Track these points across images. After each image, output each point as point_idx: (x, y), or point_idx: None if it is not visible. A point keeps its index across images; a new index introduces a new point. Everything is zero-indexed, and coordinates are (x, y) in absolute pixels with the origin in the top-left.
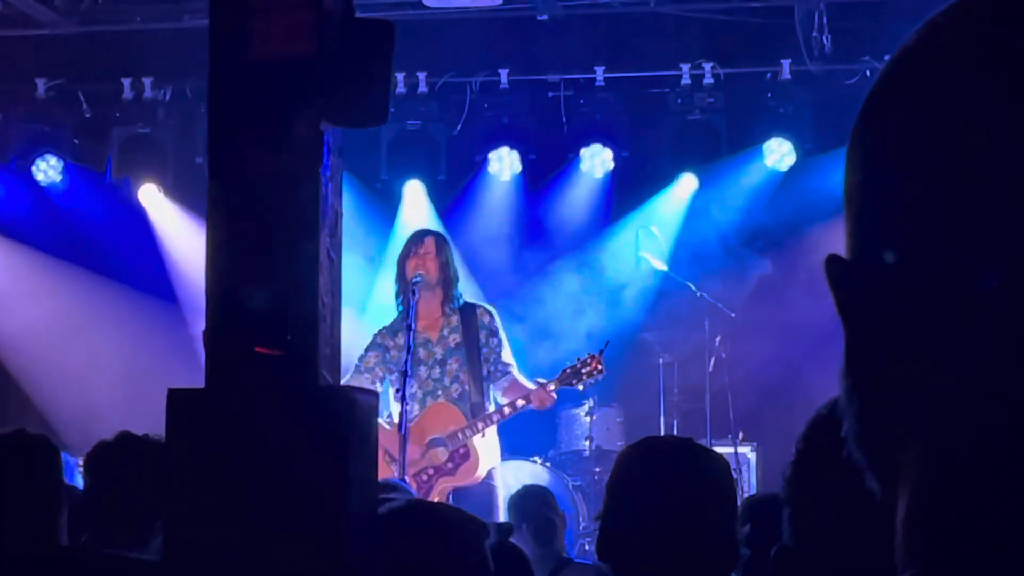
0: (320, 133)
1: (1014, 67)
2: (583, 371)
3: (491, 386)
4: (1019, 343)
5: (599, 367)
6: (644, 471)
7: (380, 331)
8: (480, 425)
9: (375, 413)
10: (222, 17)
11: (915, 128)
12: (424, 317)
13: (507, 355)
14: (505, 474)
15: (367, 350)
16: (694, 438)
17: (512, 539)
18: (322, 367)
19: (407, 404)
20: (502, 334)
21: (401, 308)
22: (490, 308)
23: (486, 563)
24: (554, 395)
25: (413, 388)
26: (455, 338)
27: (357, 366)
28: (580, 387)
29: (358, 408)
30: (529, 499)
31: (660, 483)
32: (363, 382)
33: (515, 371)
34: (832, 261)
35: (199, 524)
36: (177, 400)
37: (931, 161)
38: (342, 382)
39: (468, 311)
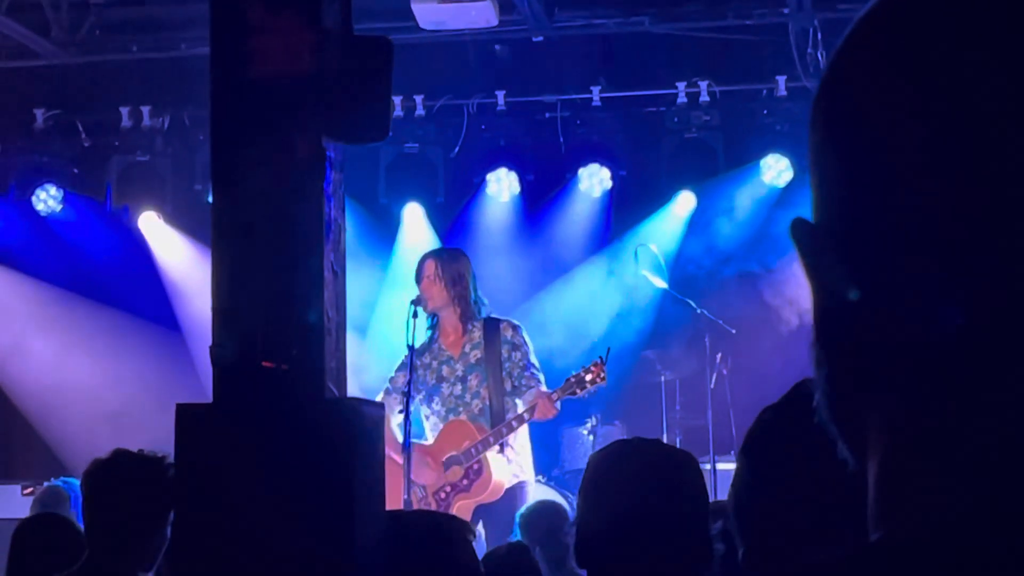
0: (322, 149)
1: (948, 48)
2: (586, 378)
3: (517, 400)
4: (983, 304)
5: (602, 374)
6: (614, 473)
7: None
8: (491, 439)
9: (381, 425)
10: (223, 37)
11: (864, 98)
12: (448, 335)
13: (533, 368)
14: None
15: (397, 370)
16: (696, 455)
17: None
18: (328, 380)
19: (409, 425)
20: (528, 347)
21: (428, 329)
22: (515, 322)
23: (473, 558)
24: (557, 406)
25: (437, 406)
26: (476, 354)
27: (387, 387)
28: (583, 394)
29: (364, 420)
30: (540, 520)
31: (629, 484)
32: (391, 402)
33: (542, 384)
34: (798, 224)
35: (207, 537)
36: (185, 415)
37: (883, 128)
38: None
39: (491, 326)
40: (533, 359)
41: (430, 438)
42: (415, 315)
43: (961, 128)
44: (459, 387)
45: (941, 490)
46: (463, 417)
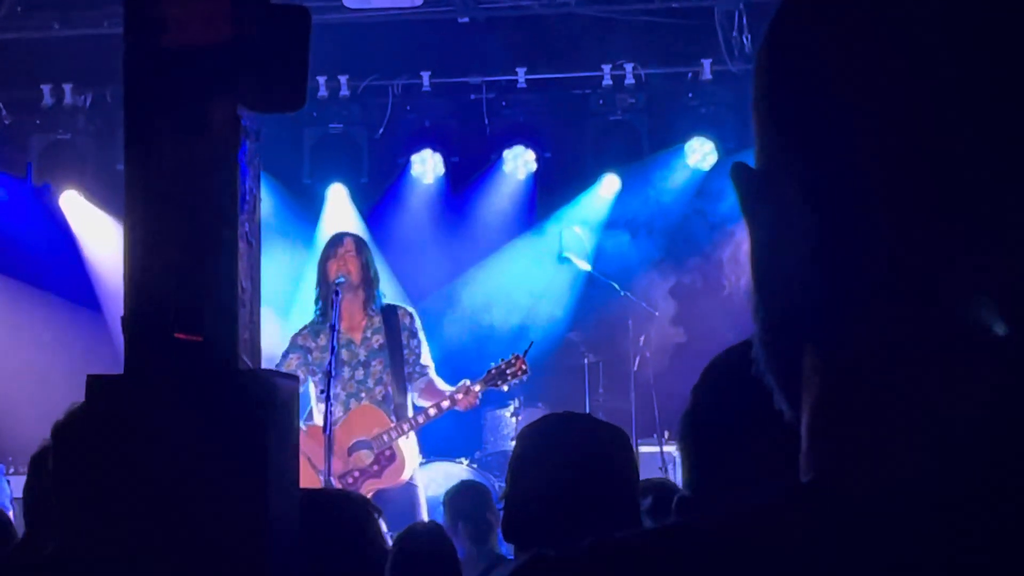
0: (237, 118)
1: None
2: (508, 372)
3: (410, 387)
4: (900, 247)
5: (523, 367)
6: (543, 447)
7: (300, 333)
8: (405, 427)
9: (296, 397)
10: (137, 4)
11: (801, 48)
12: (346, 319)
13: (426, 357)
14: (431, 475)
15: (288, 352)
16: None
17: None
18: (242, 352)
19: (331, 405)
20: (422, 336)
21: (318, 311)
22: (411, 309)
23: (382, 535)
24: (479, 399)
25: (336, 389)
26: (378, 339)
27: (279, 368)
28: (504, 388)
29: (279, 392)
30: (465, 497)
31: (559, 459)
32: None
33: (432, 373)
34: (738, 168)
35: (116, 510)
36: (96, 386)
37: (821, 80)
38: None
39: (390, 312)
40: (425, 348)
41: (319, 421)
42: (338, 294)
43: (889, 81)
44: (361, 372)
45: (865, 438)
46: (368, 403)
